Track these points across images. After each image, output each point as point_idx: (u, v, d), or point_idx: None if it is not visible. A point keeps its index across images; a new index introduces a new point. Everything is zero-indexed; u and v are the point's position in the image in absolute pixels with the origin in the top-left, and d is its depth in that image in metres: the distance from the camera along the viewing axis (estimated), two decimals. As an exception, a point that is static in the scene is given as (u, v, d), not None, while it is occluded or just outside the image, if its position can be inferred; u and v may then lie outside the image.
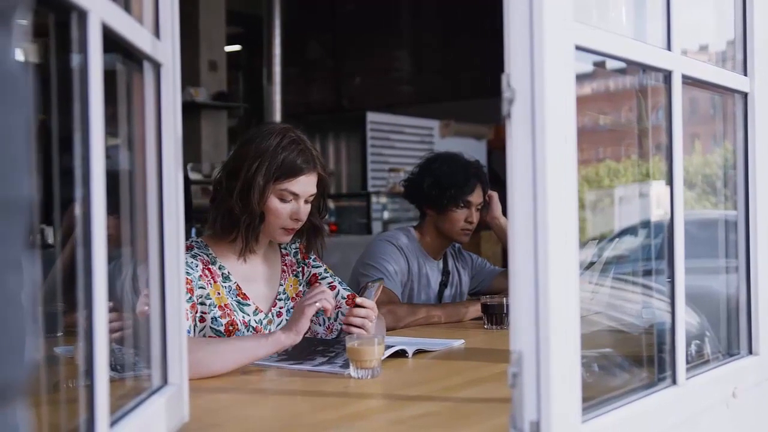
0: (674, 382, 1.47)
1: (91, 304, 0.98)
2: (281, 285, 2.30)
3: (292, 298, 2.30)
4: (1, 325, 0.53)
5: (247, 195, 2.11)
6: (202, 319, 2.10)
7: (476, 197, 2.94)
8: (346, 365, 1.86)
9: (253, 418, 1.55)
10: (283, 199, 2.14)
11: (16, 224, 0.54)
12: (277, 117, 8.65)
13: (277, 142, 2.12)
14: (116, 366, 1.31)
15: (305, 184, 2.15)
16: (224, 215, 2.15)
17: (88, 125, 0.97)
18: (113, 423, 1.06)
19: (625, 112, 2.02)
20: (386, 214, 7.40)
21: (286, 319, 2.25)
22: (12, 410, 0.54)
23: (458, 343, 2.29)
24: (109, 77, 1.05)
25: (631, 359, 1.68)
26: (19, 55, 0.57)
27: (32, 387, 0.65)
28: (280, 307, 2.27)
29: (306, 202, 2.18)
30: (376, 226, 7.21)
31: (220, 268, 2.17)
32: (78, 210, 0.98)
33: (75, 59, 0.98)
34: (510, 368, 1.15)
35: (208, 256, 2.17)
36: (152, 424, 1.22)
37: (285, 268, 2.33)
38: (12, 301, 0.54)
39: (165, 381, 1.33)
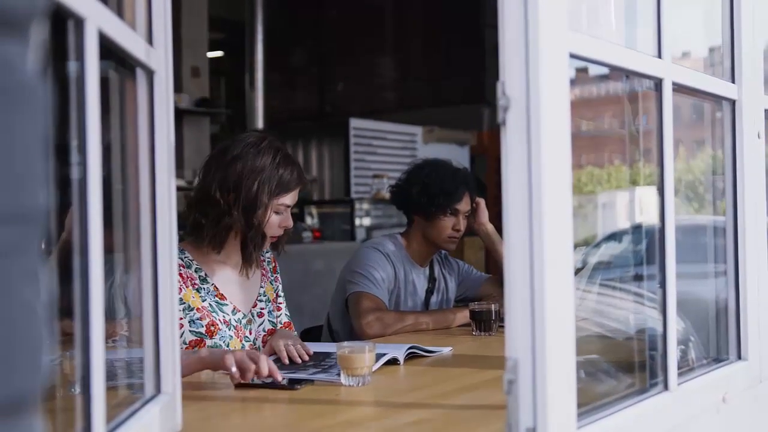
0: (666, 387, 1.48)
1: (87, 314, 0.97)
2: (261, 287, 2.36)
3: (272, 300, 2.38)
4: (18, 335, 0.53)
5: (251, 213, 2.18)
6: (179, 326, 2.10)
7: (464, 205, 2.94)
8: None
9: (246, 427, 1.54)
10: (278, 212, 2.24)
11: (33, 234, 0.54)
12: (260, 123, 8.63)
13: (271, 158, 2.21)
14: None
15: (295, 195, 2.27)
16: (223, 230, 2.20)
17: (85, 132, 0.97)
18: (109, 433, 1.05)
19: (608, 118, 2.03)
20: (370, 221, 7.39)
21: (269, 320, 2.34)
22: (29, 420, 0.54)
23: (447, 350, 2.29)
24: (101, 84, 1.05)
25: (621, 365, 1.69)
26: (35, 65, 0.57)
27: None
28: (261, 308, 2.33)
29: (291, 210, 2.29)
30: (360, 233, 7.20)
31: (196, 271, 2.21)
32: (74, 217, 0.97)
33: (71, 66, 0.98)
34: (505, 375, 1.15)
35: (183, 259, 2.20)
36: (146, 434, 1.21)
37: (264, 272, 2.40)
38: (29, 311, 0.53)
39: (158, 390, 1.32)
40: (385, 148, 8.06)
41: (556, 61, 1.16)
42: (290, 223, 2.27)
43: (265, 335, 2.30)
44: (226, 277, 2.27)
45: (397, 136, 8.16)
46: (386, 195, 6.95)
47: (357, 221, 7.28)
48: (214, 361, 1.85)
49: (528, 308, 1.13)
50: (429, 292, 3.06)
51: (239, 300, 2.27)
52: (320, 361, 2.07)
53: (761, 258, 1.82)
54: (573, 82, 1.41)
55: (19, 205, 0.52)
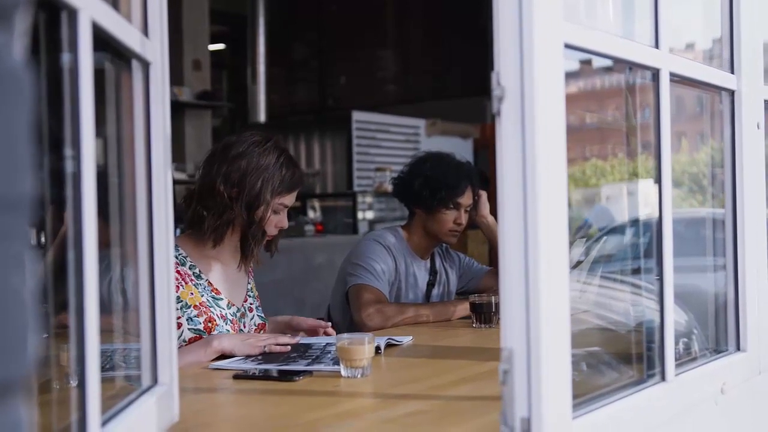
0: (663, 378, 1.48)
1: (82, 305, 0.97)
2: (249, 283, 2.41)
3: (257, 296, 2.43)
4: (4, 321, 0.53)
5: (253, 209, 2.21)
6: (178, 326, 2.12)
7: (466, 199, 2.94)
8: (336, 362, 1.86)
9: (244, 418, 1.55)
10: (276, 212, 2.27)
11: (19, 221, 0.54)
12: (262, 117, 8.64)
13: (275, 158, 2.24)
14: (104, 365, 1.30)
15: (294, 197, 2.32)
16: (224, 225, 2.23)
17: (79, 125, 0.97)
18: (104, 423, 1.06)
19: (611, 110, 2.03)
20: (372, 214, 7.39)
21: (258, 315, 2.39)
22: (15, 406, 0.55)
23: (408, 339, 2.32)
24: (97, 76, 1.04)
25: (620, 357, 1.69)
26: (20, 54, 0.57)
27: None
28: (250, 303, 2.39)
29: (288, 210, 2.32)
30: (363, 226, 7.20)
31: (190, 268, 2.23)
32: (68, 211, 0.97)
33: (64, 58, 0.98)
34: (501, 365, 1.15)
35: (177, 257, 2.21)
36: (143, 424, 1.22)
37: (250, 269, 2.44)
38: (15, 297, 0.54)
39: (155, 381, 1.33)
40: (388, 141, 8.05)
41: (550, 51, 1.16)
42: (285, 224, 2.32)
43: (255, 329, 2.33)
44: (218, 272, 2.30)
45: (400, 129, 8.16)
46: (389, 188, 6.94)
47: (359, 215, 7.28)
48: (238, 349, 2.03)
49: (522, 297, 1.13)
50: (430, 284, 3.06)
51: (232, 295, 2.31)
52: (304, 352, 2.07)
53: (760, 249, 1.82)
54: (576, 75, 1.41)
55: (4, 192, 0.53)
